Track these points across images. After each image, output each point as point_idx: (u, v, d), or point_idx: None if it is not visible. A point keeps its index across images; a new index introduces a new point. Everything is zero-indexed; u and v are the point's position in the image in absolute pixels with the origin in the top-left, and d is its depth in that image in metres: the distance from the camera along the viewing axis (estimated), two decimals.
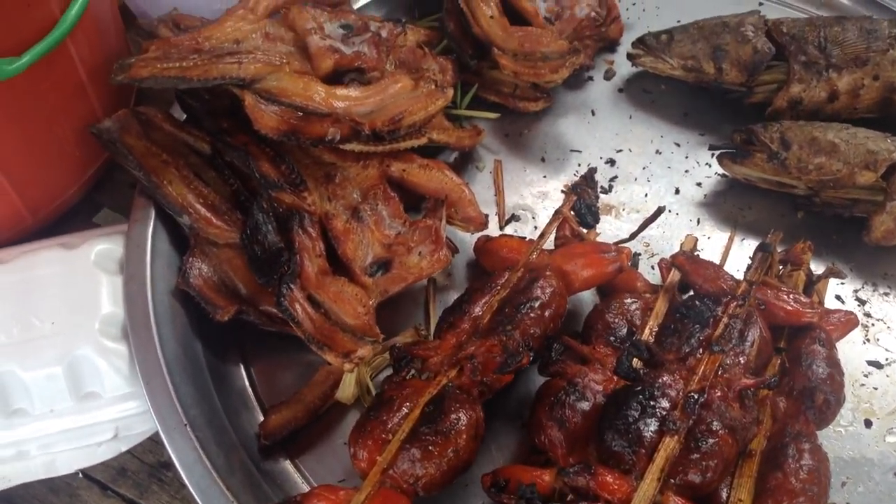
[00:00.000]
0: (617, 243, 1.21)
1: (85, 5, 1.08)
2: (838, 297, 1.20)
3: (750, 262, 1.12)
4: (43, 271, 1.07)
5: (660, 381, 0.95)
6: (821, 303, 1.15)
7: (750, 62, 1.31)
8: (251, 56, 1.15)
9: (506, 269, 1.14)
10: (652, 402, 0.93)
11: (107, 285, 1.08)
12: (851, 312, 1.10)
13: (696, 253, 1.20)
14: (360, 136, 1.15)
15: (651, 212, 1.27)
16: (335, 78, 1.24)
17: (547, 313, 1.06)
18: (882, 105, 1.31)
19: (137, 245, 1.12)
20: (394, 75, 1.25)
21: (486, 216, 1.25)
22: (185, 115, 1.23)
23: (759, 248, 1.10)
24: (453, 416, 0.96)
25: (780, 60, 1.32)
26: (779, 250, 1.14)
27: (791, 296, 1.07)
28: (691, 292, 1.15)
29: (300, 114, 1.15)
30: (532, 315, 1.05)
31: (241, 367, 1.14)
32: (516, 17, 1.37)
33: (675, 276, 1.13)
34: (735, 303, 1.03)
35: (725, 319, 1.01)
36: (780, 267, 1.14)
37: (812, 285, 1.13)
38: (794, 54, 1.30)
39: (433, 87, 1.26)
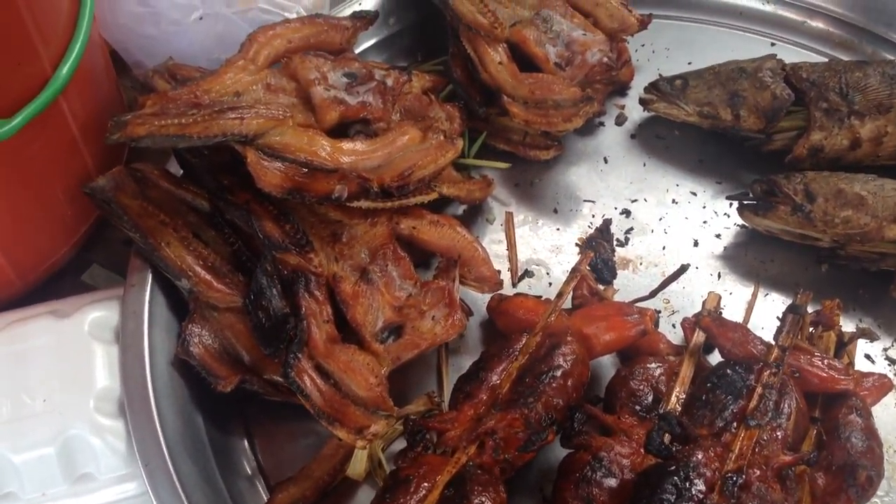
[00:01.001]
0: (637, 301, 1.16)
1: (78, 61, 1.03)
2: (868, 357, 1.15)
3: (779, 322, 1.07)
4: (33, 343, 1.01)
5: (694, 459, 0.90)
6: (851, 364, 1.10)
7: (769, 109, 1.27)
8: (253, 111, 1.09)
9: (522, 331, 1.08)
10: (688, 484, 0.87)
11: (102, 356, 1.02)
12: (885, 376, 1.06)
13: (720, 311, 1.15)
14: (368, 193, 1.10)
15: (670, 266, 1.23)
16: (340, 130, 1.18)
17: (570, 383, 1.01)
18: None
19: (134, 312, 1.06)
20: (401, 126, 1.20)
21: (499, 272, 1.20)
22: (182, 171, 1.18)
23: (789, 310, 1.05)
24: (476, 500, 0.90)
25: (799, 106, 1.28)
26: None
27: (824, 361, 1.02)
28: (715, 351, 1.11)
29: (305, 170, 1.09)
30: (554, 385, 1.00)
31: (245, 440, 1.08)
32: (525, 62, 1.32)
33: (699, 337, 1.08)
34: (769, 371, 0.98)
35: (760, 390, 0.96)
36: (811, 329, 1.09)
37: (843, 347, 1.08)
38: (814, 101, 1.26)
39: (442, 137, 1.21)
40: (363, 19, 1.31)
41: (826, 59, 1.45)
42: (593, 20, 1.36)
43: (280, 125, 1.12)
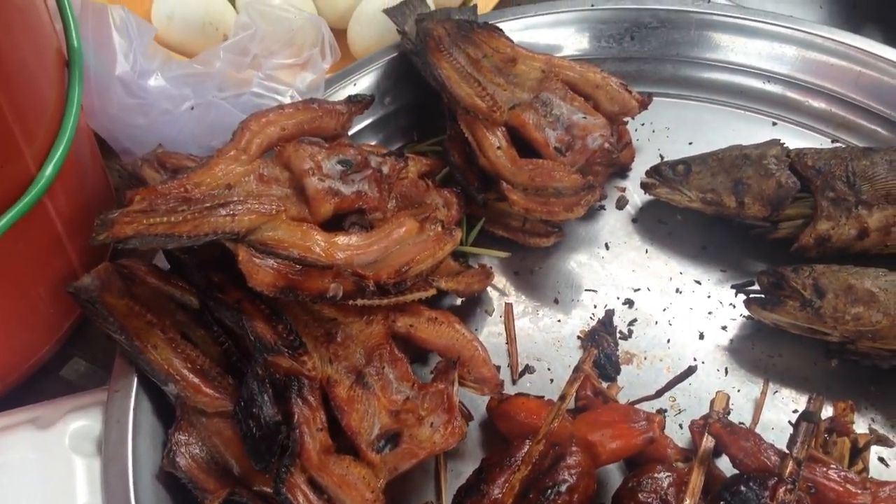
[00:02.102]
0: (642, 400, 1.12)
1: (64, 158, 0.99)
2: (881, 460, 1.11)
3: (790, 423, 1.03)
4: (11, 456, 0.96)
5: None
6: (866, 470, 1.06)
7: (774, 197, 1.24)
8: (245, 206, 1.06)
9: (525, 436, 1.04)
10: None
11: (83, 471, 0.97)
12: None
13: (728, 411, 1.11)
14: (364, 292, 1.05)
15: (675, 360, 1.20)
16: (335, 221, 1.15)
17: (575, 498, 0.96)
18: None
19: (117, 421, 1.01)
20: (398, 217, 1.16)
21: (499, 368, 1.16)
22: (170, 266, 1.13)
23: (802, 418, 1.01)
24: None
25: (805, 193, 1.25)
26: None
27: (840, 473, 0.98)
28: (725, 456, 1.06)
29: (299, 267, 1.06)
30: (559, 501, 0.95)
31: None
32: (525, 146, 1.29)
33: (709, 443, 1.03)
34: (784, 487, 0.93)
35: None
36: (826, 436, 1.05)
37: (859, 453, 1.04)
38: (820, 189, 1.23)
39: (440, 228, 1.17)
40: (358, 104, 1.28)
41: (829, 139, 1.43)
42: (593, 103, 1.34)
43: (273, 220, 1.08)
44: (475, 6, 1.47)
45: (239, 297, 1.06)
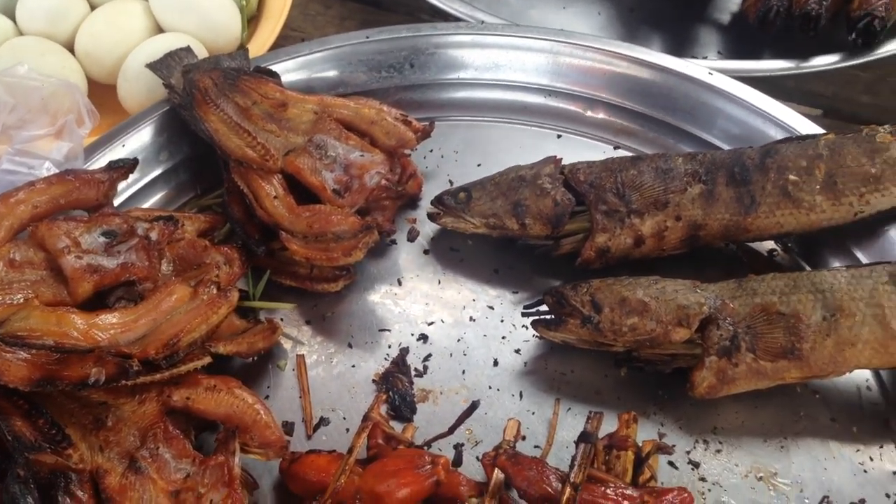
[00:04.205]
0: (435, 439, 1.12)
1: None
2: (671, 464, 1.14)
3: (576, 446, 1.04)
4: None
5: None
6: (654, 478, 1.08)
7: (552, 215, 1.26)
8: None
9: (315, 494, 1.02)
10: None
11: None
12: (684, 490, 1.03)
13: (521, 438, 1.12)
14: (127, 373, 1.01)
15: (472, 391, 1.21)
16: (100, 299, 1.10)
17: None
18: (689, 242, 1.27)
19: None
20: (168, 286, 1.13)
21: (293, 425, 1.15)
22: None
23: (580, 439, 1.03)
24: None
25: (583, 207, 1.27)
26: (603, 424, 1.07)
27: (617, 491, 0.99)
28: None
29: (57, 355, 1.00)
30: None
31: None
32: (305, 193, 1.27)
33: (499, 476, 1.04)
34: None
35: None
36: (606, 453, 1.06)
37: (642, 464, 1.06)
38: (594, 203, 1.25)
39: (215, 291, 1.13)
40: (120, 170, 1.23)
41: (612, 146, 1.47)
42: (370, 139, 1.33)
43: (23, 308, 1.03)
44: (246, 50, 1.44)
45: None
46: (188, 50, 1.40)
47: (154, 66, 1.37)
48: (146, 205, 1.36)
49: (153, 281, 1.15)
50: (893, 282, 1.13)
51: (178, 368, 1.07)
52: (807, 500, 1.11)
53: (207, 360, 1.09)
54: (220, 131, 1.28)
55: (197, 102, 1.30)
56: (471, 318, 1.27)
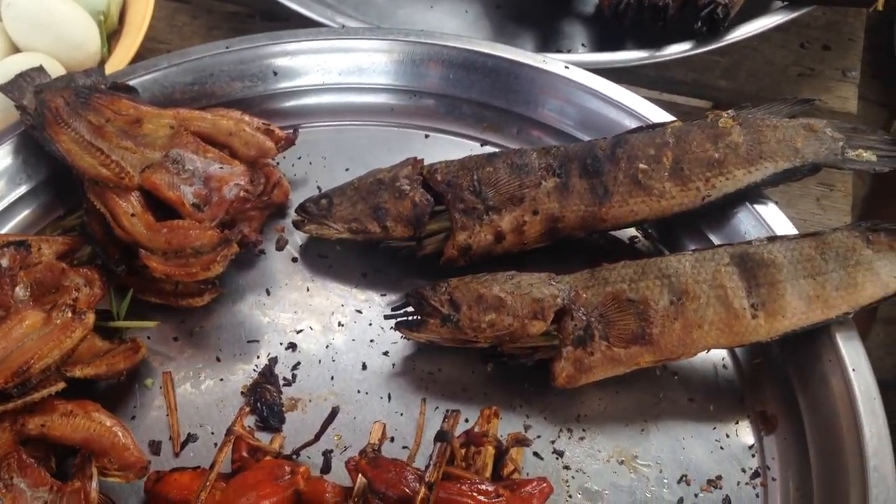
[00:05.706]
0: (301, 448, 1.13)
1: None
2: (536, 454, 1.17)
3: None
4: None
5: None
6: (517, 470, 1.11)
7: (412, 216, 1.27)
8: None
9: None
10: None
11: None
12: (544, 479, 1.06)
13: (387, 440, 1.13)
14: None
15: (341, 397, 1.23)
16: None
17: None
18: (549, 235, 1.30)
19: None
20: (19, 313, 1.12)
21: (160, 443, 1.14)
22: None
23: (437, 438, 1.04)
24: None
25: (442, 206, 1.29)
26: (466, 420, 1.10)
27: (473, 486, 1.02)
28: None
29: None
30: None
31: None
32: (167, 209, 1.26)
33: (362, 480, 1.05)
34: None
35: None
36: (465, 449, 1.08)
37: (502, 458, 1.09)
38: (452, 203, 1.27)
39: (69, 314, 1.12)
40: None
41: (479, 143, 1.49)
42: (230, 151, 1.32)
43: None
44: (102, 67, 1.42)
45: None
46: (40, 69, 1.38)
47: (5, 88, 1.34)
48: (6, 229, 1.33)
49: (5, 308, 1.13)
50: (734, 263, 1.18)
51: (30, 396, 1.06)
52: (666, 480, 1.16)
53: (61, 385, 1.08)
54: (73, 151, 1.26)
55: (48, 123, 1.28)
56: (339, 324, 1.28)
